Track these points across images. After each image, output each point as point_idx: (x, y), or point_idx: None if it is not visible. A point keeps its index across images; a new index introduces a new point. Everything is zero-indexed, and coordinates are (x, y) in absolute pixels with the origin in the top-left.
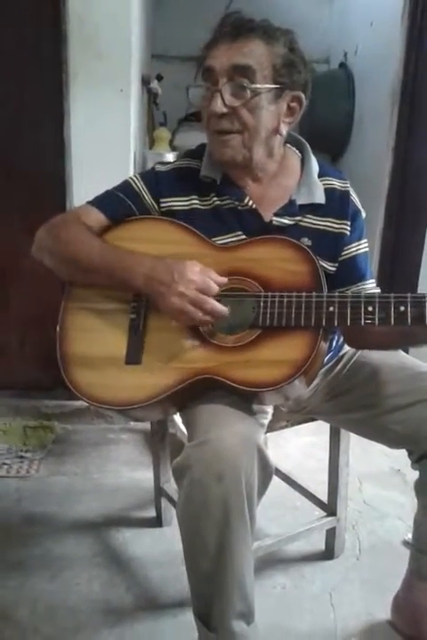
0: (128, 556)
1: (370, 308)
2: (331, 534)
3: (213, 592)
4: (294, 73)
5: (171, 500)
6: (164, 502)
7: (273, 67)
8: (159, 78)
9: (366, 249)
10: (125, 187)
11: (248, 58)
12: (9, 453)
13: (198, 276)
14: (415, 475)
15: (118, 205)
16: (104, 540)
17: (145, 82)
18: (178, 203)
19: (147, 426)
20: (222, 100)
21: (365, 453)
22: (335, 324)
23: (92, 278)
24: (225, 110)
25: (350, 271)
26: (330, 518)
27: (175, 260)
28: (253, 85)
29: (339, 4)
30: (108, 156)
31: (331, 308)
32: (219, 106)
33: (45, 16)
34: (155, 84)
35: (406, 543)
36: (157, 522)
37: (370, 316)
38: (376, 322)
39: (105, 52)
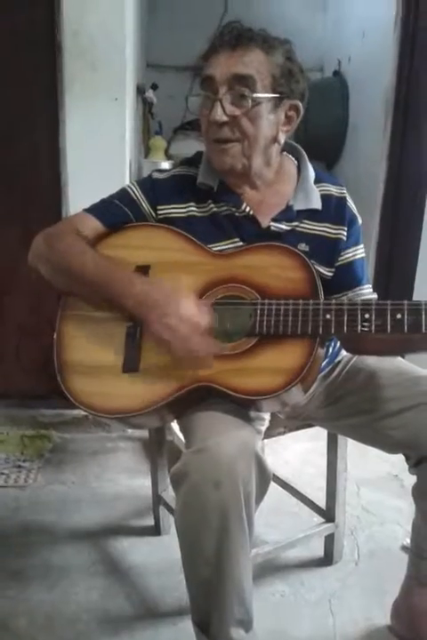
0: (126, 565)
1: (367, 316)
2: (329, 540)
3: (211, 599)
4: (292, 82)
5: (169, 508)
6: (162, 510)
7: (272, 76)
8: (154, 87)
9: (363, 254)
10: (123, 194)
11: (249, 67)
12: (6, 463)
13: (190, 310)
14: (413, 480)
15: (115, 213)
16: (102, 548)
17: (140, 91)
18: (175, 210)
19: (145, 434)
20: (223, 108)
21: (362, 459)
22: (332, 331)
23: (85, 292)
24: (225, 119)
25: (347, 276)
26: (328, 524)
27: (172, 289)
28: (254, 94)
29: (332, 13)
30: (103, 165)
31: (328, 316)
32: (219, 114)
33: (40, 27)
34: (150, 94)
35: (404, 548)
36: (155, 530)
37: (367, 324)
38: (373, 329)
39: (100, 61)
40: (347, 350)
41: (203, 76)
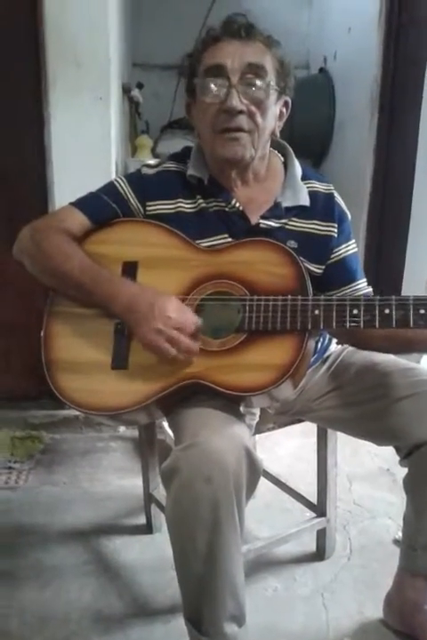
0: (119, 564)
1: (355, 311)
2: (321, 535)
3: (203, 595)
4: (287, 79)
5: (160, 506)
6: (153, 509)
7: (276, 71)
8: (140, 86)
9: (355, 249)
10: (110, 189)
11: (261, 58)
12: None
13: (176, 313)
14: (404, 472)
15: (102, 208)
16: (94, 548)
17: (125, 90)
18: (164, 206)
19: (136, 433)
20: (239, 97)
21: (354, 454)
22: (321, 327)
23: (71, 294)
24: (243, 107)
25: (341, 273)
26: (320, 519)
27: (157, 294)
28: (270, 85)
29: (318, 9)
30: (89, 164)
31: (316, 312)
32: (236, 102)
33: (23, 25)
34: (135, 92)
35: (396, 542)
36: (147, 529)
37: (355, 319)
38: (362, 325)
39: (83, 60)
40: (351, 345)
41: (209, 63)
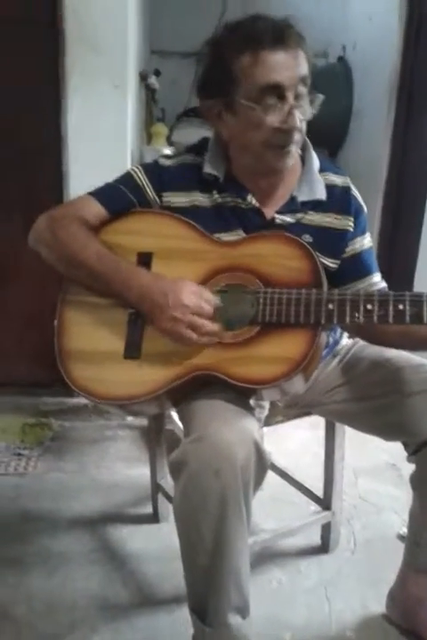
0: (125, 553)
1: (369, 307)
2: (326, 528)
3: (209, 586)
4: (312, 73)
5: (167, 496)
6: (160, 498)
7: (310, 72)
8: (157, 74)
9: (370, 243)
10: (127, 179)
11: (306, 67)
12: (7, 451)
13: (193, 298)
14: (411, 468)
15: (120, 199)
16: (101, 536)
17: (143, 77)
18: (180, 199)
19: (143, 422)
20: (298, 115)
21: (360, 448)
22: (335, 321)
23: (87, 283)
24: (301, 125)
25: (356, 267)
26: (325, 513)
27: (171, 281)
28: (313, 94)
29: None
30: (105, 152)
31: (330, 306)
32: (298, 122)
33: (42, 12)
34: (152, 80)
35: (401, 537)
36: (153, 518)
37: (369, 314)
38: (375, 320)
39: (101, 47)
40: (363, 339)
41: (266, 82)
